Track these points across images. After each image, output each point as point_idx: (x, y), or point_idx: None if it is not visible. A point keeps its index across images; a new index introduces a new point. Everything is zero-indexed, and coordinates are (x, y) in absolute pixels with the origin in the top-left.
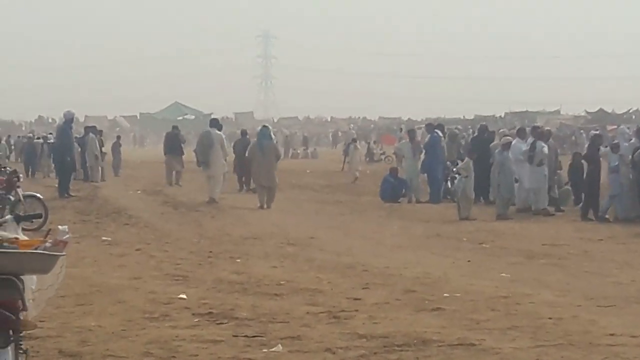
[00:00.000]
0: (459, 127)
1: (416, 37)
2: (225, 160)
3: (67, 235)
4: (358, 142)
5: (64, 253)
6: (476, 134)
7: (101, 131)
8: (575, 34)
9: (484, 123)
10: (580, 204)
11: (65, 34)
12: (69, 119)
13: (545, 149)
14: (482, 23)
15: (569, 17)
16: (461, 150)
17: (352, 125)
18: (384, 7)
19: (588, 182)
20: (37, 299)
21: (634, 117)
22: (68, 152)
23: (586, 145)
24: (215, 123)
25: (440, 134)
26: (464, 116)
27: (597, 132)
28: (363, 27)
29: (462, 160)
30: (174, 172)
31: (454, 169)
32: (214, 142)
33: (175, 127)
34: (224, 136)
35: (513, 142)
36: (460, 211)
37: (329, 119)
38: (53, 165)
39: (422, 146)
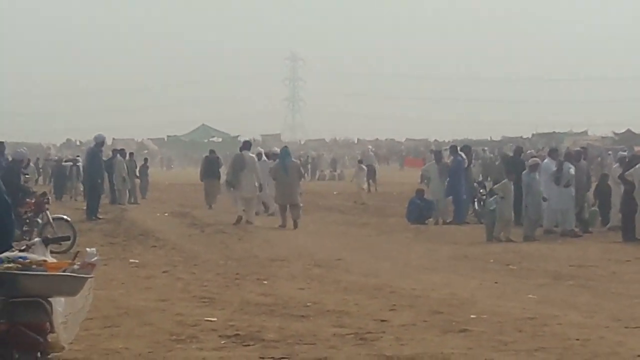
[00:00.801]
0: (486, 148)
1: (442, 59)
2: (258, 183)
3: (96, 258)
4: (364, 163)
5: (92, 275)
6: (512, 154)
7: (132, 153)
8: (603, 55)
9: (519, 145)
10: (608, 225)
11: (93, 58)
12: (100, 142)
13: (572, 170)
14: (507, 44)
15: (595, 38)
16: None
17: (370, 146)
18: (409, 29)
19: (623, 202)
20: (69, 322)
21: None
22: (98, 175)
23: (614, 166)
24: (248, 146)
25: (464, 156)
26: (490, 137)
27: (625, 152)
28: (389, 49)
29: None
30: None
31: (481, 190)
32: (247, 165)
33: (212, 151)
34: (256, 159)
35: (544, 162)
36: (494, 231)
37: (355, 141)
38: (82, 187)
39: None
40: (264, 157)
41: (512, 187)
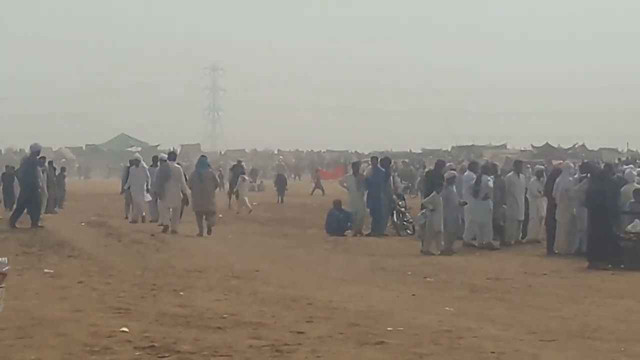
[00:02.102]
0: (406, 160)
1: (363, 70)
2: (183, 193)
3: (7, 267)
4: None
5: (2, 285)
6: (432, 167)
7: (51, 162)
8: (522, 68)
9: (441, 158)
10: (525, 238)
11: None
12: (35, 152)
13: (491, 183)
14: (428, 56)
15: (514, 51)
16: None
17: (281, 157)
18: (332, 40)
19: (549, 216)
20: None
21: (580, 152)
22: (35, 185)
23: (532, 179)
24: (173, 156)
25: (384, 167)
26: (411, 150)
27: (543, 166)
28: (310, 60)
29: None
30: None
31: (400, 202)
32: (172, 175)
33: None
34: (182, 169)
35: (465, 175)
36: (424, 245)
37: (275, 152)
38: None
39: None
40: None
41: (441, 199)
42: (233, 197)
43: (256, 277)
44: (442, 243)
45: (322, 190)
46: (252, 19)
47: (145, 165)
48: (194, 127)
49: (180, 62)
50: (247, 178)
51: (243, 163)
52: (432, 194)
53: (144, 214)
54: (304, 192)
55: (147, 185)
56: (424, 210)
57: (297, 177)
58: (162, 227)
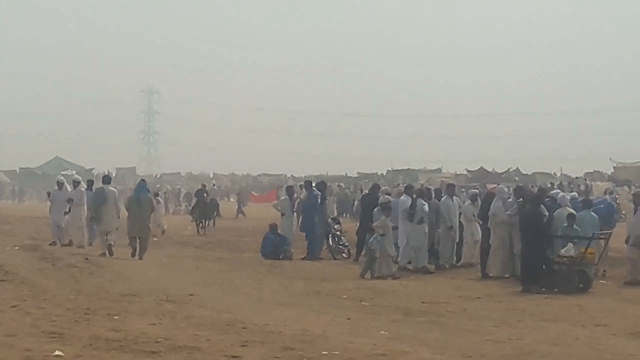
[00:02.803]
0: (342, 184)
1: (299, 93)
2: (119, 216)
3: None
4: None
5: None
6: (367, 192)
7: None
8: (456, 92)
9: (376, 182)
10: (460, 262)
11: None
12: None
13: (426, 207)
14: (361, 80)
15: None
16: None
17: (214, 181)
18: (267, 63)
19: (483, 240)
20: None
21: (514, 176)
22: None
23: (466, 203)
24: (108, 180)
25: (319, 191)
26: (346, 173)
27: (477, 190)
28: (246, 83)
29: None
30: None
31: (335, 226)
32: (108, 199)
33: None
34: (117, 193)
35: (400, 199)
36: (376, 269)
37: (211, 175)
38: None
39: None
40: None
41: (390, 223)
42: (202, 221)
43: (191, 301)
44: (392, 267)
45: (243, 214)
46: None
47: (84, 186)
48: (129, 150)
49: (116, 85)
50: (161, 200)
51: (211, 186)
52: (382, 218)
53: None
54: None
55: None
56: (375, 235)
57: (234, 200)
58: (102, 252)
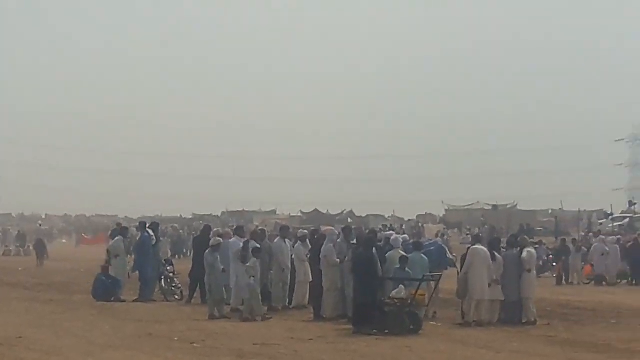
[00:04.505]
0: (176, 225)
1: (130, 134)
2: None
3: None
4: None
5: None
6: (198, 234)
7: None
8: (291, 134)
9: (208, 223)
10: (293, 303)
11: None
12: None
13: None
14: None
15: (278, 118)
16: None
17: (40, 222)
18: (101, 103)
19: (315, 281)
20: None
21: (348, 218)
22: None
23: (297, 245)
24: None
25: (152, 232)
26: (181, 215)
27: (305, 231)
28: (77, 124)
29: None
30: None
31: (168, 267)
32: None
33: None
34: None
35: (232, 241)
36: (247, 311)
37: (44, 216)
38: None
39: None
40: None
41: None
42: None
43: (19, 343)
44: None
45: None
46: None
47: None
48: None
49: None
50: None
51: (37, 226)
52: (252, 260)
53: None
54: (67, 256)
55: None
56: (248, 276)
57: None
58: None
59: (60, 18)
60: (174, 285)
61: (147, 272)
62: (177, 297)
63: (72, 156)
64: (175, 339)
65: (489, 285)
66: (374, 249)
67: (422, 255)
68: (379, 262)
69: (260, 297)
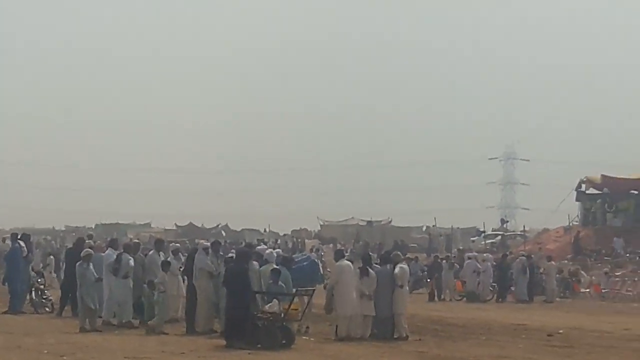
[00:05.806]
0: (48, 237)
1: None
2: None
3: None
4: None
5: None
6: (72, 246)
7: None
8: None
9: (81, 236)
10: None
11: None
12: None
13: (132, 262)
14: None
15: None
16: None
17: None
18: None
19: (190, 294)
20: None
21: (222, 232)
22: None
23: (170, 257)
24: None
25: (22, 244)
26: (54, 227)
27: (178, 244)
28: None
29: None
30: None
31: (39, 280)
32: None
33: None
34: None
35: (106, 253)
36: (157, 325)
37: None
38: None
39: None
40: None
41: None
42: None
43: None
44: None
45: None
46: None
47: None
48: None
49: None
50: None
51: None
52: (161, 274)
53: None
54: None
55: None
56: (156, 290)
57: None
58: None
59: None
60: (44, 297)
61: (16, 283)
62: (47, 309)
63: None
64: (45, 351)
65: (362, 298)
66: (250, 262)
67: (295, 269)
68: (252, 276)
69: (166, 310)
